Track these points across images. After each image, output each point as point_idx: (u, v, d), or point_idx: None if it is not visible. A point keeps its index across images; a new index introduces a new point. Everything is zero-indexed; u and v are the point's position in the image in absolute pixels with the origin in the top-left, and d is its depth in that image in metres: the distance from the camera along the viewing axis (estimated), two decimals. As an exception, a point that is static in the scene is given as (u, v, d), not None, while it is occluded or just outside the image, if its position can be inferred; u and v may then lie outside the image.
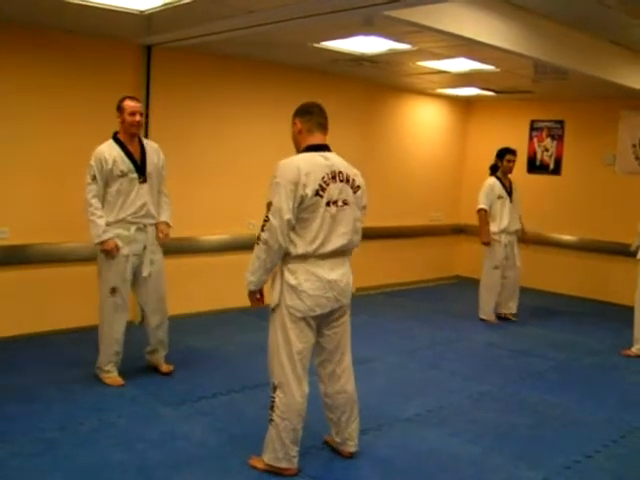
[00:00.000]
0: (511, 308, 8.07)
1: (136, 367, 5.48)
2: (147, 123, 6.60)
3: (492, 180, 7.82)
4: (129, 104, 5.12)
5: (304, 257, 3.66)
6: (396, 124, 9.71)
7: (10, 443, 4.08)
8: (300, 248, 3.64)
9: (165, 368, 5.49)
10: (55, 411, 4.62)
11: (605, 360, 6.61)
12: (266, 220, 3.59)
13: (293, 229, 3.63)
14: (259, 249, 3.66)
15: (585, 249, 9.48)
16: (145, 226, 5.19)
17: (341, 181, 3.73)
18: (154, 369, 5.51)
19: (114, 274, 5.11)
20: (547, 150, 9.89)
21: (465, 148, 10.92)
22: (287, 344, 3.72)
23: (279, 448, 3.74)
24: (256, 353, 6.01)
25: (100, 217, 4.99)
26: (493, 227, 7.74)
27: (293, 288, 3.68)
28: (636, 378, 6.08)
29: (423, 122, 10.15)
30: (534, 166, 10.01)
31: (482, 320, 7.93)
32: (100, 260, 5.16)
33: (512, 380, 5.81)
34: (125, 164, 5.07)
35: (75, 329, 6.44)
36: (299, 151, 3.84)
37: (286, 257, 3.69)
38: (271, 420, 3.75)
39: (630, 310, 6.79)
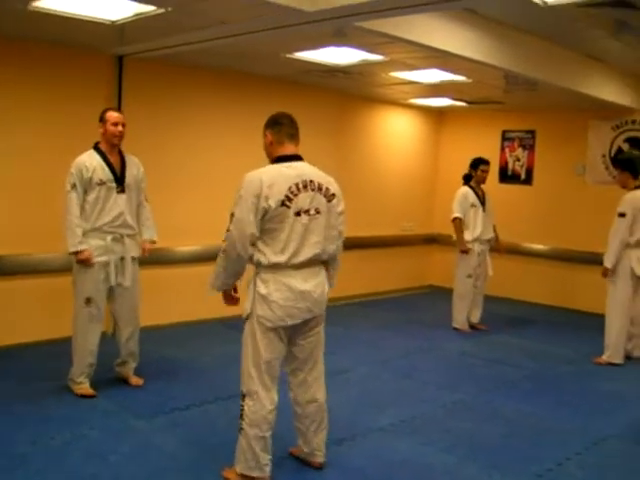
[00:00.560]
0: (476, 316, 8.12)
1: (108, 379, 5.43)
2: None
3: (465, 189, 7.88)
4: (112, 115, 5.14)
5: (276, 267, 3.66)
6: (369, 134, 9.74)
7: (-20, 458, 4.03)
8: (271, 258, 3.64)
9: (134, 381, 5.45)
10: (26, 425, 4.56)
11: (578, 368, 6.66)
12: (227, 230, 3.67)
13: (261, 239, 3.65)
14: (220, 257, 3.77)
15: (557, 258, 9.56)
16: (122, 236, 5.17)
17: (312, 190, 3.73)
18: (125, 381, 5.47)
19: (89, 284, 5.08)
20: (519, 160, 9.98)
21: (438, 158, 10.97)
22: (256, 353, 3.73)
23: (250, 457, 3.74)
24: (229, 364, 5.97)
25: (77, 226, 4.97)
26: (467, 235, 7.79)
27: (264, 298, 3.68)
28: (608, 386, 6.13)
29: (396, 132, 10.19)
30: (506, 176, 10.09)
31: (455, 329, 7.96)
32: (75, 270, 5.12)
33: (486, 389, 5.84)
34: (105, 173, 5.07)
35: (45, 341, 6.36)
36: (271, 162, 3.84)
37: (258, 267, 3.70)
38: (241, 429, 3.75)
39: (601, 318, 6.86)
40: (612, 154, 9.03)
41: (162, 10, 4.81)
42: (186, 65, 7.25)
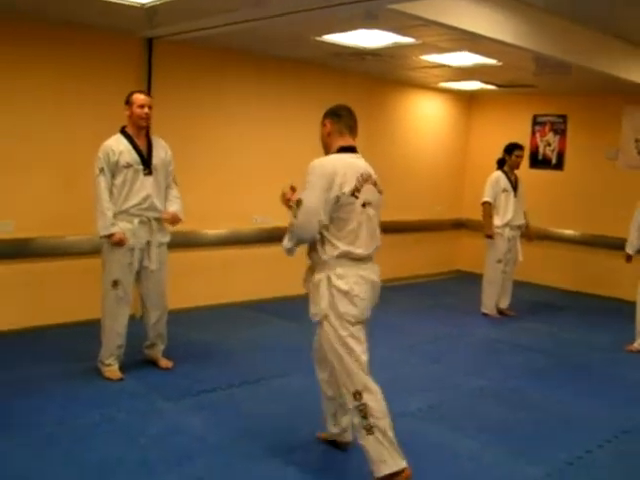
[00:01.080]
0: (505, 302, 8.06)
1: (136, 361, 5.46)
2: (148, 116, 6.58)
3: (498, 173, 7.81)
4: (138, 97, 5.13)
5: (350, 259, 3.62)
6: (398, 118, 9.68)
7: (8, 438, 4.07)
8: (344, 249, 3.60)
9: (164, 363, 5.48)
10: (54, 405, 4.60)
11: (608, 356, 6.59)
12: (294, 217, 3.55)
13: (329, 231, 3.59)
14: (287, 242, 3.65)
15: (587, 244, 9.46)
16: (149, 220, 5.17)
17: (371, 183, 3.74)
18: (153, 363, 5.50)
19: (117, 267, 5.11)
20: (550, 145, 9.86)
21: (467, 142, 10.89)
22: (350, 352, 3.63)
23: (393, 449, 3.56)
24: (256, 348, 6.02)
25: (108, 209, 5.00)
26: (497, 220, 7.73)
27: (345, 293, 3.61)
28: (639, 374, 6.06)
29: (425, 116, 10.12)
30: (536, 161, 9.98)
31: (484, 315, 7.92)
32: (104, 253, 5.15)
33: (514, 375, 5.80)
34: (131, 156, 5.07)
35: (76, 323, 6.41)
36: (328, 152, 3.82)
37: (329, 261, 3.62)
38: (370, 429, 3.56)
39: (632, 305, 6.77)
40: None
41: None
42: (215, 48, 7.23)
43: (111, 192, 5.05)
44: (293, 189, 3.72)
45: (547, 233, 9.56)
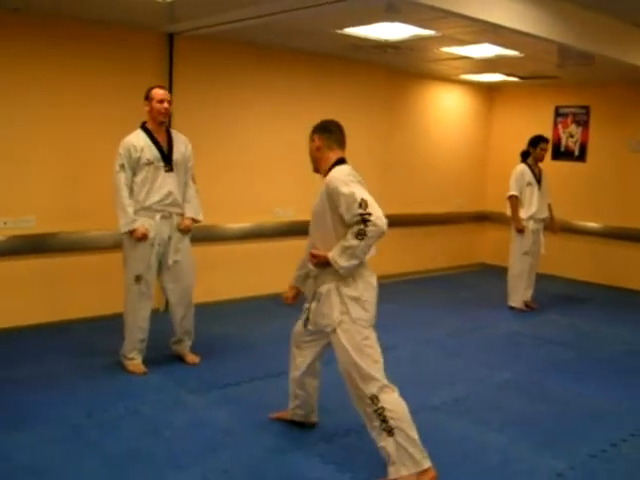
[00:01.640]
0: (528, 295, 8.01)
1: (161, 355, 5.50)
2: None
3: (522, 167, 7.78)
4: (157, 92, 5.14)
5: (360, 265, 3.64)
6: (419, 110, 9.65)
7: (36, 430, 4.13)
8: None
9: (191, 359, 5.50)
10: (80, 398, 4.65)
11: (632, 348, 6.55)
12: (367, 221, 3.45)
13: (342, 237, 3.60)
14: (364, 243, 3.52)
15: (609, 236, 9.40)
16: (171, 214, 5.20)
17: None
18: (179, 358, 5.52)
19: (139, 262, 5.13)
20: (572, 136, 9.79)
21: (489, 134, 10.84)
22: (365, 358, 3.64)
23: (415, 450, 3.56)
24: (279, 341, 6.00)
25: (129, 205, 5.02)
26: (522, 214, 7.71)
27: (356, 300, 3.65)
28: (662, 367, 6.03)
29: (447, 108, 10.08)
30: (559, 152, 9.91)
31: (511, 308, 7.89)
32: (125, 248, 5.18)
33: (537, 369, 5.78)
34: (152, 152, 5.09)
35: (99, 317, 6.47)
36: (317, 166, 3.89)
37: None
38: (390, 430, 3.56)
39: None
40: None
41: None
42: (236, 42, 7.24)
43: (131, 189, 5.07)
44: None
45: (569, 225, 9.49)
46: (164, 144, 5.18)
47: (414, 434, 3.58)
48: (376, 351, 3.68)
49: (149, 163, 5.06)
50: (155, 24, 6.42)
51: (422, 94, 9.64)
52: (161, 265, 5.25)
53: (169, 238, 5.21)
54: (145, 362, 5.26)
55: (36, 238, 6.18)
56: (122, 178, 5.02)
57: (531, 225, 7.71)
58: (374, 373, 3.61)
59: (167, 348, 5.56)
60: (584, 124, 9.66)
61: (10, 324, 6.09)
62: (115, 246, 5.90)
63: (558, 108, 9.95)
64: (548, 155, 9.51)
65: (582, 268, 9.69)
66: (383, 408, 3.57)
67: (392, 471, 3.57)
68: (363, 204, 3.46)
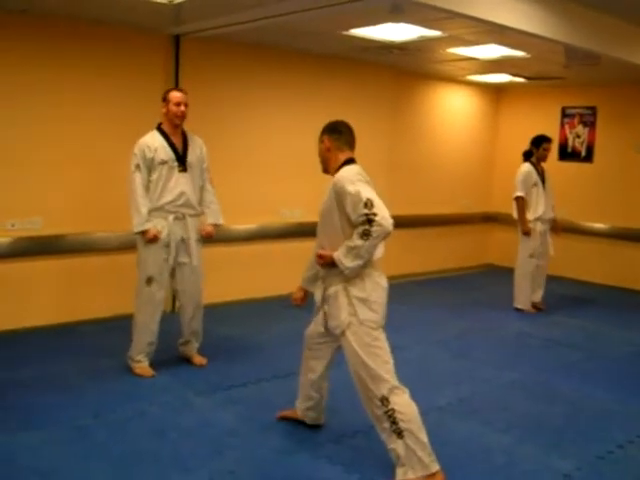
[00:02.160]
0: (538, 297, 7.99)
1: (168, 356, 5.50)
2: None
3: (528, 166, 7.72)
4: (175, 95, 5.16)
5: (367, 266, 3.64)
6: (426, 111, 9.65)
7: (43, 431, 4.13)
8: None
9: (198, 360, 5.50)
10: (87, 400, 4.66)
11: (639, 350, 6.53)
12: (372, 221, 3.44)
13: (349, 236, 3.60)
14: (361, 248, 3.51)
15: (617, 237, 9.37)
16: (184, 216, 5.19)
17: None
18: (186, 360, 5.53)
19: (151, 264, 5.13)
20: (579, 137, 9.77)
21: (496, 135, 10.82)
22: (375, 359, 3.63)
23: (424, 453, 3.55)
24: (286, 342, 6.02)
25: (143, 206, 5.02)
26: (528, 215, 7.65)
27: (364, 301, 3.65)
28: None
29: (453, 109, 10.08)
30: (565, 153, 9.89)
31: (517, 309, 7.86)
32: (139, 249, 5.18)
33: (544, 369, 5.76)
34: (166, 153, 5.10)
35: (107, 318, 6.48)
36: (327, 166, 3.88)
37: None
38: (400, 433, 3.55)
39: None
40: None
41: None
42: (242, 43, 7.25)
43: (147, 188, 5.09)
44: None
45: (576, 226, 9.48)
46: (179, 145, 5.19)
47: (423, 436, 3.57)
48: (386, 352, 3.68)
49: (163, 162, 5.08)
50: (162, 26, 6.43)
51: (428, 95, 9.63)
52: (173, 267, 5.25)
53: (182, 240, 5.21)
54: (152, 364, 5.26)
55: (43, 240, 6.19)
56: (137, 178, 5.03)
57: (538, 227, 7.67)
58: (384, 374, 3.61)
59: (174, 349, 5.57)
60: (591, 125, 9.64)
61: (17, 325, 6.11)
62: (122, 247, 5.92)
63: (565, 109, 9.93)
64: (555, 156, 9.53)
65: (589, 269, 9.66)
66: (393, 410, 3.56)
67: (400, 473, 3.57)
68: (369, 204, 3.45)
